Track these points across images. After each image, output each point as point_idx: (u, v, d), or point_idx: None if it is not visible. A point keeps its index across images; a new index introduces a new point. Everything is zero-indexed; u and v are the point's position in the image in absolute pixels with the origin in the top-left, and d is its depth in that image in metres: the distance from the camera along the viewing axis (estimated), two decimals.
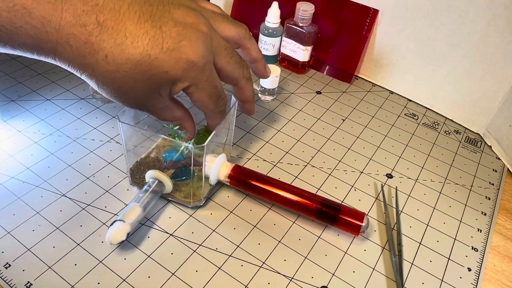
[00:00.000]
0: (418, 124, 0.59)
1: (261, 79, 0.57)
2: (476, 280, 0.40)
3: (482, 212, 0.47)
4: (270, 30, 0.63)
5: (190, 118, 0.39)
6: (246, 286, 0.37)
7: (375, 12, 0.60)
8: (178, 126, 0.40)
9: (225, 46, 0.36)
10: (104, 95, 0.33)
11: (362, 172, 0.50)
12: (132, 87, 0.32)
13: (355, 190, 0.47)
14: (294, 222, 0.43)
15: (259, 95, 0.59)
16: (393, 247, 0.41)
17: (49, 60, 0.31)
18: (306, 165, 0.50)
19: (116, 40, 0.30)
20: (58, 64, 0.31)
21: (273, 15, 0.62)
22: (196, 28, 0.33)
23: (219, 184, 0.45)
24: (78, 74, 0.32)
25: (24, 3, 0.27)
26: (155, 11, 0.31)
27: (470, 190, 0.50)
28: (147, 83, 0.32)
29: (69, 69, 0.31)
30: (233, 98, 0.43)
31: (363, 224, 0.40)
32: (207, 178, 0.42)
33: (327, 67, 0.67)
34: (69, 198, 0.42)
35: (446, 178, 0.51)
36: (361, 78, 0.67)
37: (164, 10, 0.32)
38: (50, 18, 0.28)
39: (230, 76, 0.38)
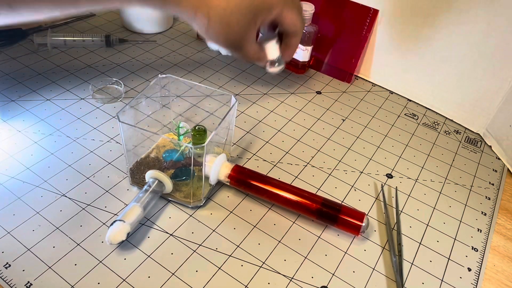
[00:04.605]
0: (418, 124, 0.59)
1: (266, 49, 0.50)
2: (476, 280, 0.40)
3: (482, 212, 0.47)
4: None
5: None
6: (246, 286, 0.37)
7: (375, 12, 0.60)
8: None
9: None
10: (208, 37, 0.40)
11: (362, 172, 0.50)
12: (237, 19, 0.39)
13: (355, 190, 0.47)
14: (294, 222, 0.43)
15: (267, 68, 0.51)
16: (393, 247, 0.41)
17: (158, 5, 0.37)
18: (306, 165, 0.50)
19: None
20: (169, 7, 0.37)
21: None
22: None
23: (219, 184, 0.45)
24: (192, 14, 0.38)
25: None
26: None
27: (470, 190, 0.50)
28: (249, 14, 0.39)
29: (180, 10, 0.38)
30: (233, 98, 0.43)
31: (363, 224, 0.40)
32: (207, 178, 0.42)
33: (327, 67, 0.67)
34: (69, 198, 0.42)
35: (446, 178, 0.51)
36: (361, 78, 0.67)
37: None
38: None
39: (293, 24, 0.45)
